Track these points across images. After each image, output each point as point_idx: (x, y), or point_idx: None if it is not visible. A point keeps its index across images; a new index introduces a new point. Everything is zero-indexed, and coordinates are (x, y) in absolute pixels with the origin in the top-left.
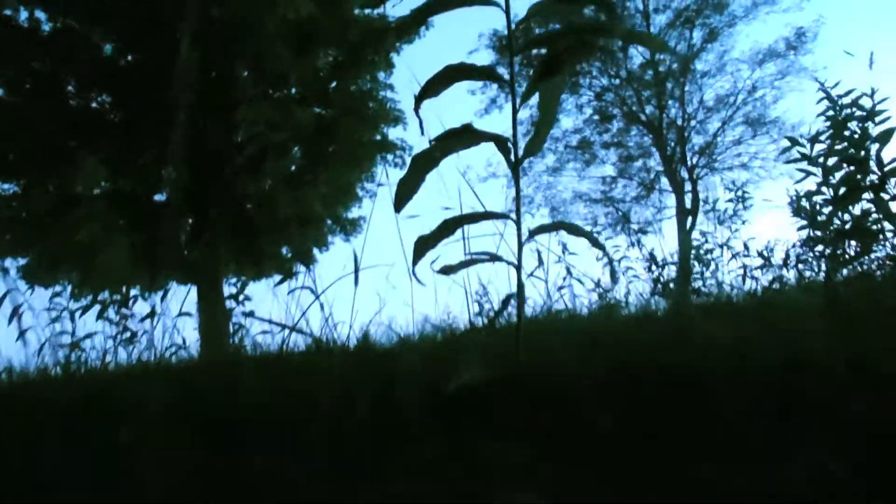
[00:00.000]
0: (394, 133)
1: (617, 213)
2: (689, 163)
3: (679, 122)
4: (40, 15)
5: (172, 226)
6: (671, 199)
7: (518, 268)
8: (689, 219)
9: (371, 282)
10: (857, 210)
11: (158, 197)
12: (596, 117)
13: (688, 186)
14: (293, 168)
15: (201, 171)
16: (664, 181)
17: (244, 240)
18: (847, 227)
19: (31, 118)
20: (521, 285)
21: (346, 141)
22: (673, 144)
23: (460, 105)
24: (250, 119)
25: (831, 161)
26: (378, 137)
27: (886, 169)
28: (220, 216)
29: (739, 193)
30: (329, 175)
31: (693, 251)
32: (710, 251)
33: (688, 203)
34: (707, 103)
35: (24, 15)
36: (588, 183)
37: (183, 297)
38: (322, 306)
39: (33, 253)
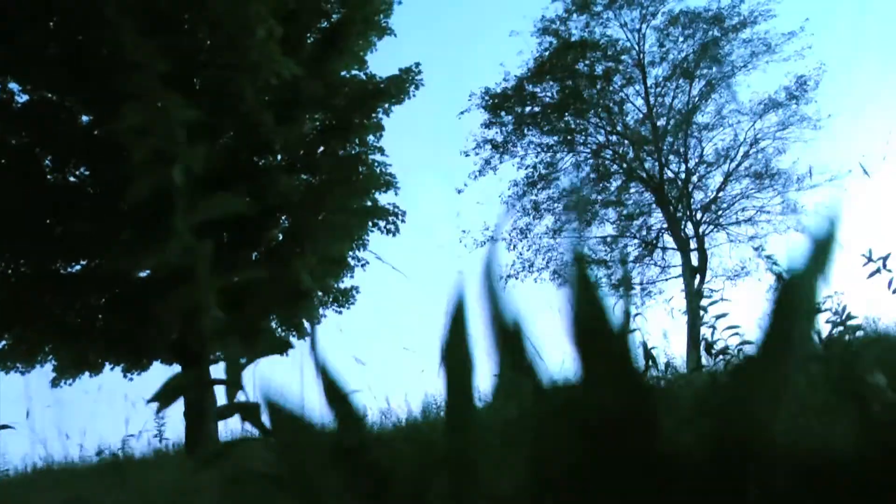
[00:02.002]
0: (385, 199)
1: (619, 275)
2: (693, 219)
3: (681, 177)
4: (13, 86)
5: (158, 305)
6: (675, 258)
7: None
8: (697, 277)
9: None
10: None
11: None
12: (593, 175)
13: (693, 244)
14: (280, 238)
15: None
16: (667, 239)
17: (231, 315)
18: None
19: (4, 195)
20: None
21: (335, 209)
22: (675, 200)
23: (456, 167)
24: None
25: None
26: (369, 203)
27: None
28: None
29: (756, 245)
30: (318, 245)
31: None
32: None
33: (694, 261)
34: (707, 157)
35: None
36: (588, 244)
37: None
38: None
39: (11, 336)
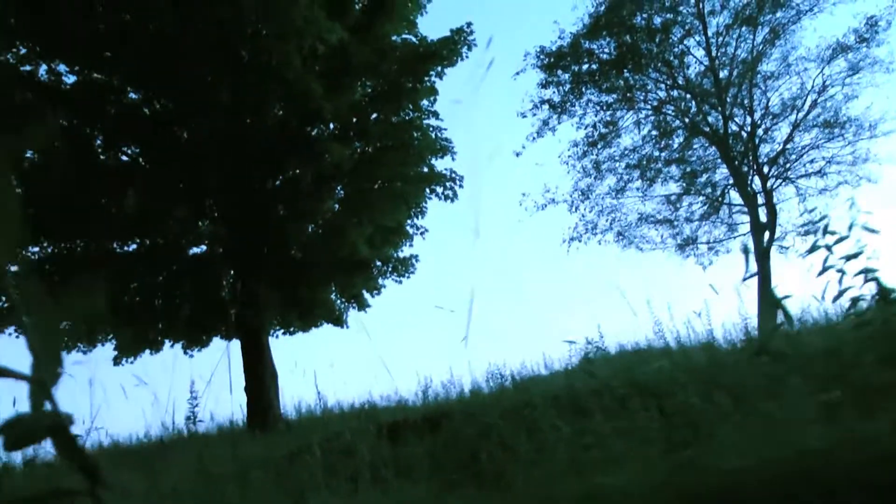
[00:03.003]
0: (441, 164)
1: (684, 234)
2: (761, 173)
3: (746, 130)
4: (61, 68)
5: (214, 281)
6: (744, 215)
7: None
8: (766, 234)
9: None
10: None
11: (195, 250)
12: (655, 132)
13: (760, 199)
14: (336, 209)
15: (240, 221)
16: (733, 195)
17: (289, 290)
18: None
19: (60, 178)
20: None
21: (390, 176)
22: (740, 155)
23: (514, 127)
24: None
25: None
26: (425, 169)
27: None
28: (264, 266)
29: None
30: (374, 214)
31: None
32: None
33: (763, 217)
34: (773, 108)
35: (43, 69)
36: (653, 203)
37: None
38: None
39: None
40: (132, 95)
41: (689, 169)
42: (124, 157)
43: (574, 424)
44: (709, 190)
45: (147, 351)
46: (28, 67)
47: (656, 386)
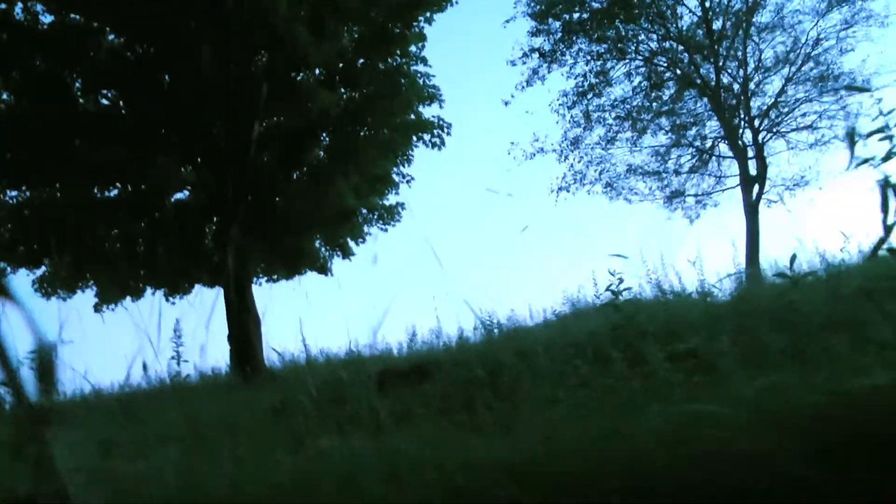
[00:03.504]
0: (429, 112)
1: (672, 187)
2: (753, 126)
3: (738, 82)
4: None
5: (197, 228)
6: (732, 168)
7: None
8: (756, 187)
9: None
10: None
11: (179, 196)
12: (646, 83)
13: (751, 152)
14: (322, 157)
15: (224, 168)
16: (723, 148)
17: (274, 238)
18: None
19: (39, 122)
20: None
21: (377, 123)
22: (732, 107)
23: (501, 76)
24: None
25: None
26: (412, 117)
27: None
28: (248, 214)
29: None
30: (361, 162)
31: None
32: None
33: (752, 170)
34: (766, 61)
35: (18, 7)
36: (642, 155)
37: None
38: None
39: (51, 263)
40: (113, 38)
41: (678, 121)
42: (105, 102)
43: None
44: (698, 142)
45: (128, 298)
46: (2, 6)
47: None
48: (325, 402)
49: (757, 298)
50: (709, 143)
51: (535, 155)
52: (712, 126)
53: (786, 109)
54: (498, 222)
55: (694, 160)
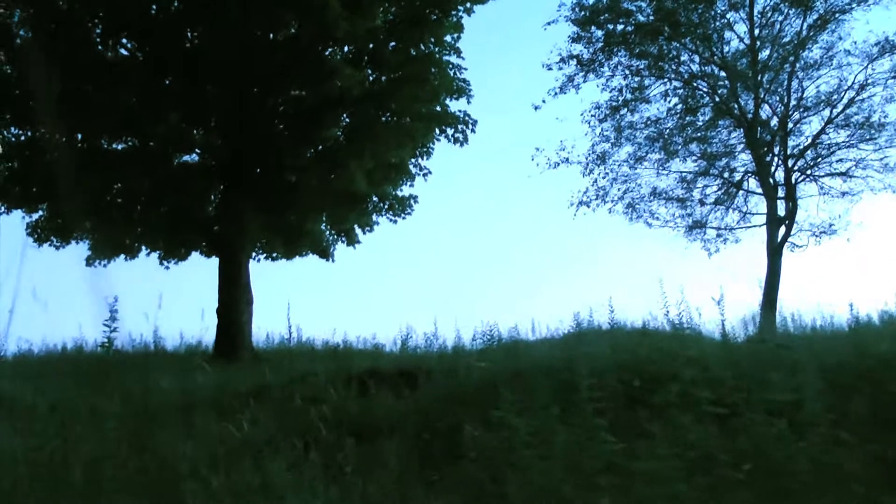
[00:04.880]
0: (455, 106)
1: (696, 216)
2: (787, 164)
3: (777, 117)
4: None
5: (200, 192)
6: (759, 205)
7: None
8: (782, 229)
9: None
10: None
11: (186, 159)
12: (681, 106)
13: (781, 192)
14: (339, 136)
15: (236, 135)
16: (752, 184)
17: (278, 214)
18: None
19: (53, 60)
20: None
21: (399, 110)
22: (767, 143)
23: (536, 80)
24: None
25: None
26: (438, 108)
27: None
28: (255, 185)
29: None
30: (378, 148)
31: None
32: None
33: (780, 211)
34: (808, 100)
35: None
36: (668, 180)
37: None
38: None
39: (46, 209)
40: None
41: (709, 150)
42: (123, 52)
43: None
44: (727, 174)
45: (122, 256)
46: None
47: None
48: (294, 403)
49: None
50: (738, 177)
51: (559, 164)
52: (743, 159)
53: (824, 152)
54: (510, 229)
55: (720, 192)
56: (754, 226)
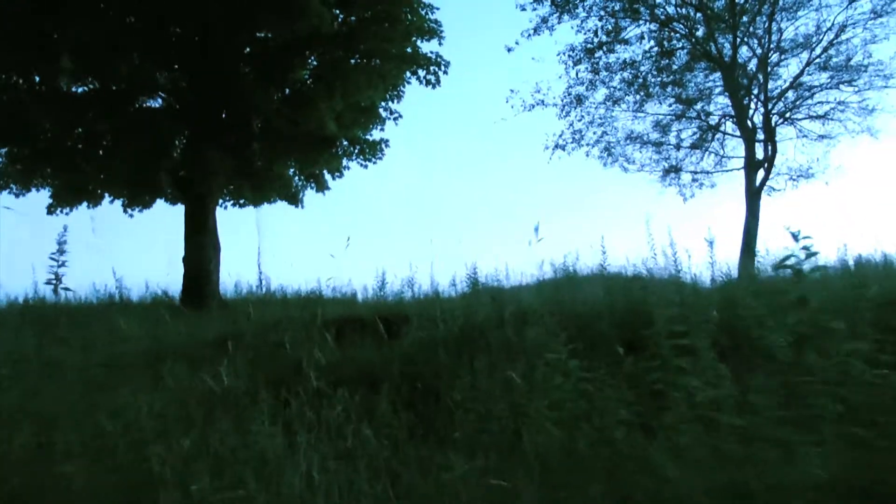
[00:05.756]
0: (427, 47)
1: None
2: (767, 107)
3: (755, 60)
4: None
5: (165, 136)
6: (736, 150)
7: None
8: (761, 172)
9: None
10: None
11: (150, 104)
12: (656, 49)
13: (760, 135)
14: (306, 78)
15: (202, 76)
16: (729, 127)
17: (245, 158)
18: None
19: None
20: None
21: (370, 51)
22: (745, 85)
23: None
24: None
25: None
26: (409, 50)
27: None
28: (221, 128)
29: None
30: (348, 89)
31: None
32: None
33: (758, 154)
34: (785, 43)
35: None
36: (644, 123)
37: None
38: None
39: (5, 155)
40: None
41: (685, 94)
42: None
43: None
44: (703, 118)
45: (84, 203)
46: None
47: None
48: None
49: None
50: (714, 121)
51: (534, 107)
52: (719, 103)
53: (805, 94)
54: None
55: (696, 136)
56: (731, 170)
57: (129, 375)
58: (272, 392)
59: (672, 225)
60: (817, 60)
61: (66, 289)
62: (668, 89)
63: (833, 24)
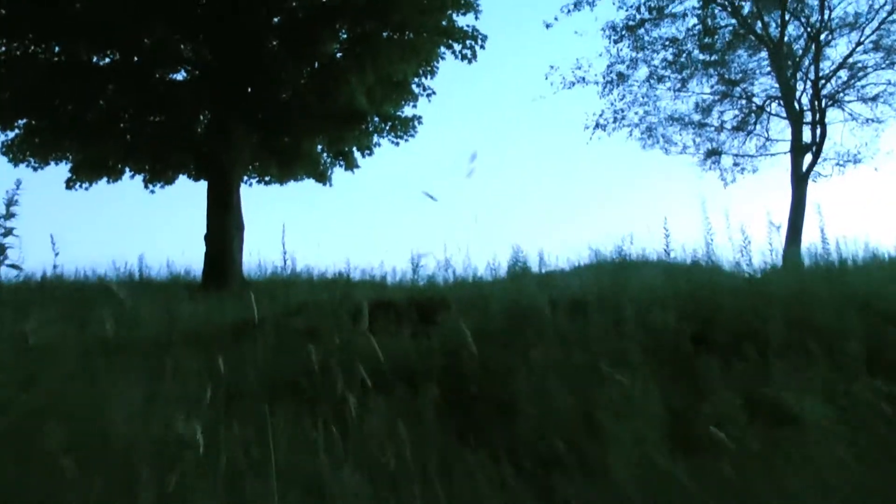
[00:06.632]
0: (463, 21)
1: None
2: (816, 88)
3: (805, 39)
4: None
5: (188, 109)
6: (782, 132)
7: None
8: (808, 157)
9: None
10: None
11: (174, 76)
12: (699, 27)
13: (807, 118)
14: (337, 52)
15: (227, 49)
16: (773, 109)
17: (272, 134)
18: None
19: None
20: None
21: (402, 23)
22: (793, 65)
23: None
24: None
25: None
26: (444, 23)
27: None
28: (247, 103)
29: None
30: (379, 63)
31: None
32: None
33: (806, 138)
34: (834, 22)
35: None
36: (686, 105)
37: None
38: None
39: (24, 127)
40: None
41: (728, 74)
42: None
43: None
44: (745, 99)
45: (105, 178)
46: None
47: None
48: (289, 335)
49: None
50: (759, 102)
51: (574, 84)
52: (763, 84)
53: (860, 74)
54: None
55: (740, 117)
56: (775, 153)
57: (132, 362)
58: (288, 384)
59: (723, 210)
60: (869, 40)
61: (14, 266)
62: (711, 70)
63: (885, 2)
